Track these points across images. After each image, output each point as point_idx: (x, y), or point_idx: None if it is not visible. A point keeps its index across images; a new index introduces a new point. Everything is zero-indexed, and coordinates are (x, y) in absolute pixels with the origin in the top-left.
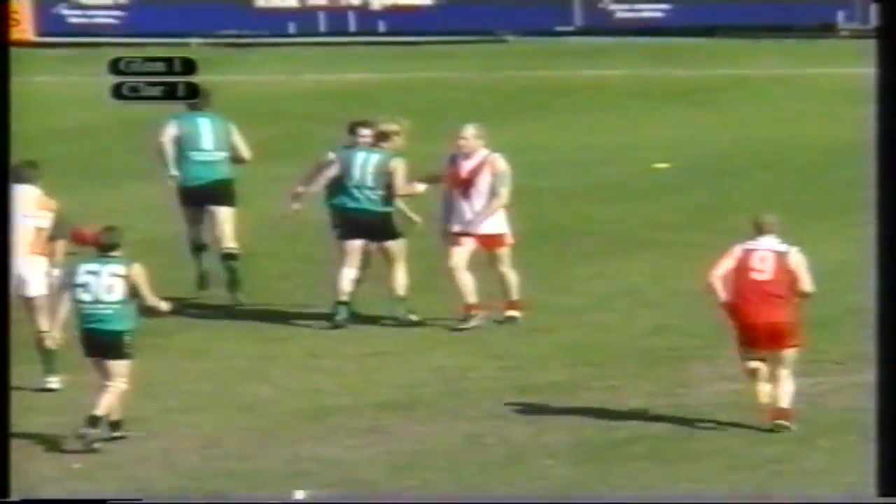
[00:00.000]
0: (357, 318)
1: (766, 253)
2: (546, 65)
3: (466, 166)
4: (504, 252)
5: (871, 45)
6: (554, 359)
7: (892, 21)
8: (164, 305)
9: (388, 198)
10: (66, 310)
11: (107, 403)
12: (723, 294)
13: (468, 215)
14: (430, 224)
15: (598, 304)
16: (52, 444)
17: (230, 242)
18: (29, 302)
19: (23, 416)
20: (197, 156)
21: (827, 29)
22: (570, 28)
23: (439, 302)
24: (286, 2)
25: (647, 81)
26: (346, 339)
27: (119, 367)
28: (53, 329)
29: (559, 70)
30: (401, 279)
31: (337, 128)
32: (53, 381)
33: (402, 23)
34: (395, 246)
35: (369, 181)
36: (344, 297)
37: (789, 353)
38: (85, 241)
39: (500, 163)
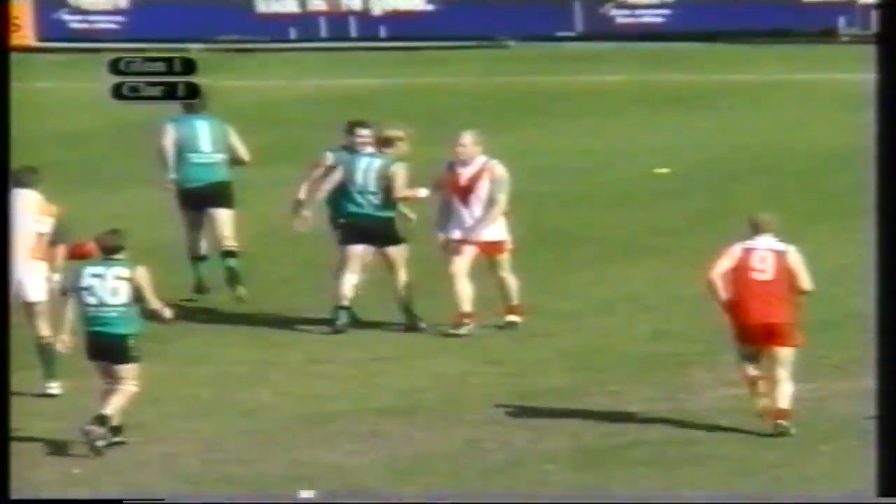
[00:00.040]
0: (357, 324)
1: (766, 253)
2: (546, 70)
3: (465, 173)
4: (504, 258)
5: (871, 51)
6: (554, 364)
7: (892, 27)
8: (168, 312)
9: (390, 203)
10: (72, 313)
11: (116, 404)
12: (723, 293)
13: (468, 222)
14: (428, 229)
15: (598, 309)
16: (52, 449)
17: (230, 241)
18: (29, 307)
19: (23, 422)
20: (195, 158)
21: (828, 34)
22: (571, 33)
23: (439, 307)
24: (287, 7)
25: (648, 87)
26: (346, 344)
27: (127, 370)
28: (61, 333)
29: (560, 75)
30: (405, 286)
31: (337, 133)
32: (54, 387)
33: (403, 28)
34: (397, 252)
35: (371, 186)
36: (345, 302)
37: (788, 354)
38: (85, 255)
39: (499, 169)
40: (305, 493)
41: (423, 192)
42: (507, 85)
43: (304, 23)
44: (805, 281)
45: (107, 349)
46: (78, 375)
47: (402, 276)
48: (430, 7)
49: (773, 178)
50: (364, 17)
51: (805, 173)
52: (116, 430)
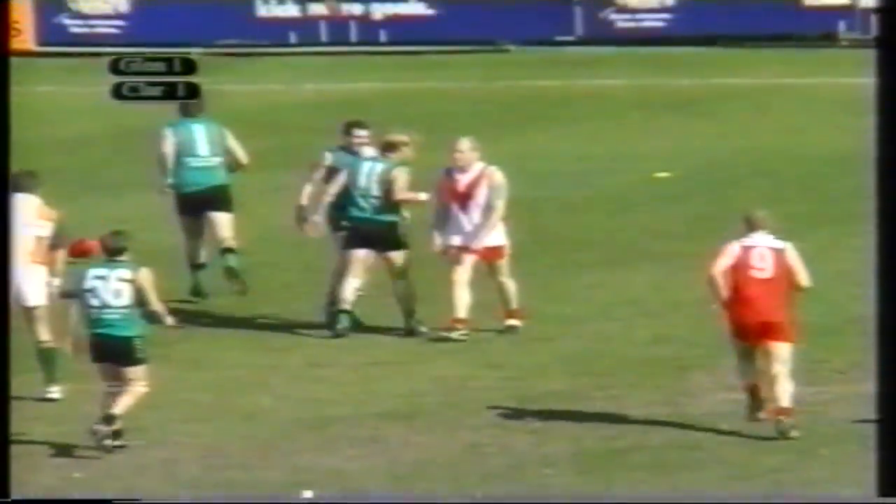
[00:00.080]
0: (358, 328)
1: (765, 250)
2: (547, 74)
3: (464, 180)
4: (503, 263)
5: (871, 55)
6: (554, 368)
7: (891, 31)
8: (170, 319)
9: (393, 207)
10: (76, 316)
11: (125, 404)
12: (724, 291)
13: (467, 228)
14: (425, 232)
15: (598, 313)
16: (53, 453)
17: (230, 241)
18: (29, 311)
19: (24, 426)
20: (193, 162)
21: (828, 38)
22: (571, 38)
23: (439, 312)
24: (287, 11)
25: (648, 91)
26: (346, 348)
27: (136, 371)
28: (66, 336)
29: (560, 80)
30: (406, 291)
31: (337, 137)
32: (54, 391)
33: (403, 32)
34: (400, 256)
35: (374, 190)
36: (346, 306)
37: (786, 350)
38: (86, 252)
39: (497, 175)
40: (307, 493)
41: (423, 196)
42: (507, 89)
43: (305, 27)
44: (803, 277)
45: (113, 351)
46: (78, 379)
47: (404, 281)
48: (430, 11)
49: (773, 183)
50: (364, 21)
51: (805, 177)
52: (117, 434)
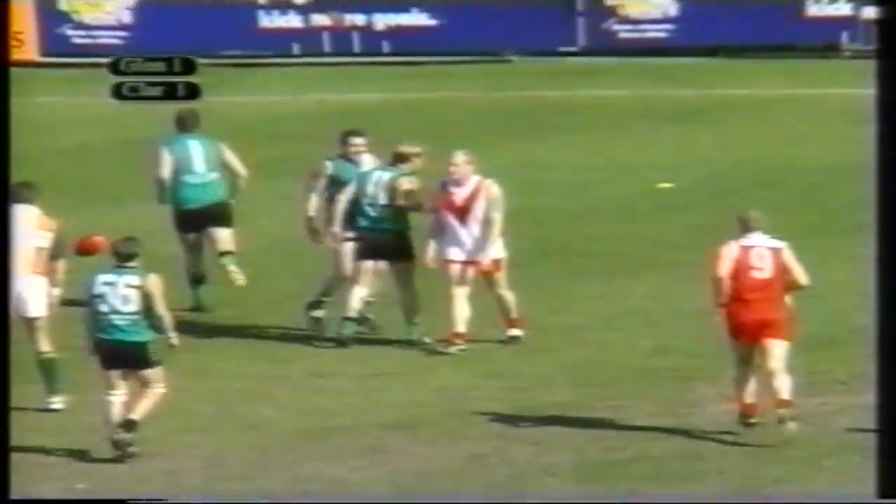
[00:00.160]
0: (360, 338)
1: (763, 250)
2: (549, 85)
3: (461, 193)
4: (500, 276)
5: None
6: (557, 379)
7: (891, 42)
8: (174, 337)
9: (401, 216)
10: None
11: (144, 408)
12: (727, 294)
13: (466, 242)
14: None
15: (600, 323)
16: (55, 464)
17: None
18: (29, 322)
19: (26, 437)
20: (191, 179)
21: (831, 49)
22: (574, 48)
23: (441, 322)
24: (290, 22)
25: (650, 101)
26: (348, 358)
27: (152, 374)
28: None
29: (562, 90)
30: (410, 301)
31: (337, 146)
32: (56, 402)
33: (406, 43)
34: (406, 267)
35: (382, 199)
36: (352, 314)
37: (783, 348)
38: (92, 248)
39: (494, 188)
40: None
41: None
42: (509, 99)
43: (308, 38)
44: (802, 276)
45: (127, 357)
46: (80, 390)
47: (409, 291)
48: (432, 22)
49: (775, 193)
50: (367, 32)
51: (808, 188)
52: (118, 444)
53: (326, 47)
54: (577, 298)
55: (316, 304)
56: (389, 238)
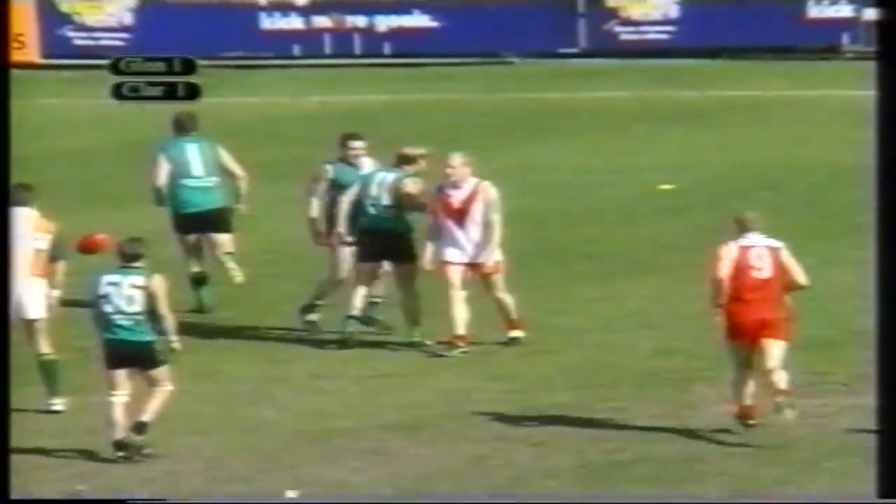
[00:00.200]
0: (361, 340)
1: (762, 250)
2: (550, 87)
3: (458, 196)
4: (498, 279)
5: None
6: (557, 380)
7: (891, 43)
8: (176, 341)
9: (404, 217)
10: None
11: (154, 408)
12: (726, 294)
13: (464, 244)
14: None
15: (602, 325)
16: (56, 466)
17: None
18: (29, 325)
19: (27, 439)
20: (189, 183)
21: (831, 51)
22: (575, 50)
23: (442, 324)
24: (291, 24)
25: (651, 103)
26: (349, 360)
27: (159, 373)
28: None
29: (563, 92)
30: (412, 302)
31: (337, 150)
32: (58, 404)
33: (407, 45)
34: (409, 268)
35: (385, 200)
36: (355, 312)
37: (780, 348)
38: (95, 247)
39: (491, 191)
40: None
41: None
42: (511, 101)
43: (309, 39)
44: (800, 276)
45: (133, 356)
46: (81, 391)
47: (411, 292)
48: (434, 24)
49: (776, 195)
50: (368, 33)
51: (809, 189)
52: (120, 445)
53: (327, 49)
54: (578, 300)
55: (310, 308)
56: (392, 239)
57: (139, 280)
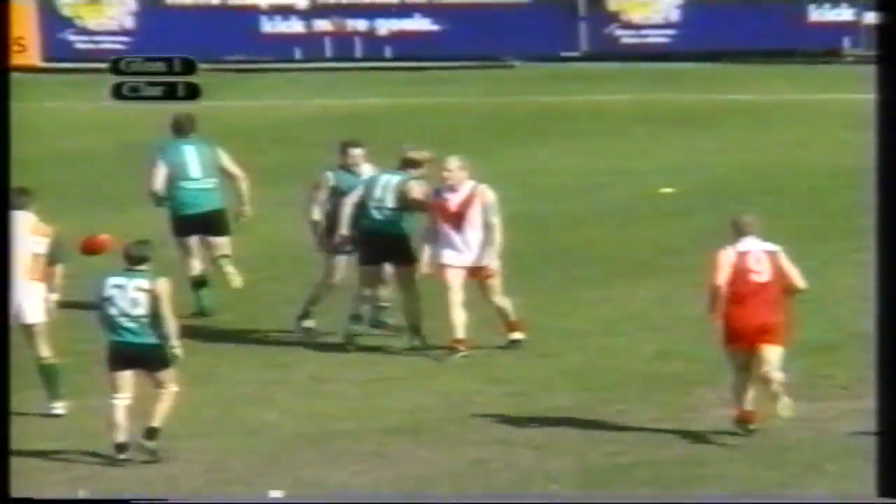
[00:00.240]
0: (361, 344)
1: (760, 254)
2: (551, 90)
3: (455, 199)
4: (494, 282)
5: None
6: (558, 383)
7: (890, 47)
8: (178, 347)
9: (406, 219)
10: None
11: (162, 412)
12: (724, 300)
13: (461, 247)
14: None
15: (603, 328)
16: (56, 469)
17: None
18: (28, 329)
19: (28, 442)
20: (188, 185)
21: (832, 54)
22: (576, 53)
23: (443, 327)
24: (292, 27)
25: (652, 106)
26: (350, 363)
27: (166, 374)
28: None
29: (564, 95)
30: (413, 305)
31: (339, 158)
32: (58, 407)
33: (408, 48)
34: (410, 271)
35: (389, 202)
36: (359, 312)
37: (778, 354)
38: (98, 248)
39: (489, 193)
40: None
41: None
42: (511, 105)
43: (310, 43)
44: (798, 279)
45: (139, 358)
46: (82, 395)
47: (412, 295)
48: (435, 27)
49: (777, 198)
50: (369, 37)
51: (809, 192)
52: (122, 448)
53: (328, 52)
54: (579, 303)
55: (305, 315)
56: (394, 241)
57: (144, 283)
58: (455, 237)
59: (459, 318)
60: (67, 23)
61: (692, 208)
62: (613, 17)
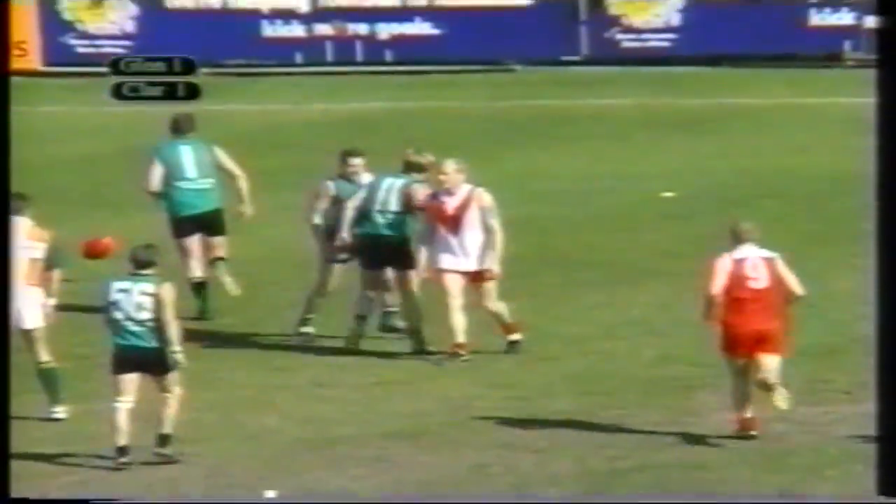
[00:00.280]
0: (362, 347)
1: (757, 261)
2: (552, 94)
3: (452, 203)
4: (490, 286)
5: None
6: (559, 388)
7: (891, 51)
8: (179, 352)
9: (408, 223)
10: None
11: (170, 417)
12: (721, 308)
13: (458, 251)
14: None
15: (603, 332)
16: (57, 473)
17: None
18: (27, 334)
19: (29, 446)
20: (184, 185)
21: (833, 58)
22: (577, 57)
23: (443, 331)
24: (293, 31)
25: (653, 111)
26: (351, 368)
27: (171, 378)
28: None
29: (565, 99)
30: (413, 309)
31: (339, 167)
32: (59, 411)
33: (409, 52)
34: (411, 275)
35: (393, 205)
36: (364, 313)
37: (777, 363)
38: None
39: (486, 197)
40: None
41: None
42: (512, 109)
43: (311, 47)
44: (796, 286)
45: (144, 362)
46: (82, 399)
47: (412, 299)
48: (436, 31)
49: (778, 202)
50: (370, 41)
51: (810, 197)
52: (123, 451)
53: (329, 56)
54: (580, 307)
55: (304, 322)
56: (396, 245)
57: (149, 287)
58: (452, 241)
59: (460, 322)
60: (68, 27)
61: (693, 212)
62: (614, 21)
